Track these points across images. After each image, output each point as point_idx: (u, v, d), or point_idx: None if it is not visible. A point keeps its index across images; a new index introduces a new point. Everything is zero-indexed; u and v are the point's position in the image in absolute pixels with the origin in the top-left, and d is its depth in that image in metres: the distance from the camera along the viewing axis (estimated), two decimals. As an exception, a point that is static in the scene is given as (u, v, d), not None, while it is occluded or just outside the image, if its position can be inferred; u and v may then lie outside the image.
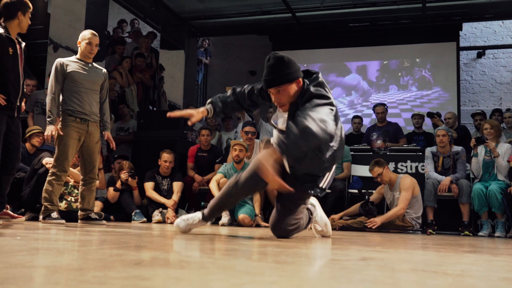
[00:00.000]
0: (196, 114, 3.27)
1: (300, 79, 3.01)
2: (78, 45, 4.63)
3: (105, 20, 8.18)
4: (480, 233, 5.85)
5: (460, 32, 10.49)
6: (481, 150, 6.10)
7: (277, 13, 10.07)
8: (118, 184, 6.03)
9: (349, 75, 10.81)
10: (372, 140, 7.60)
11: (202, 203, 6.22)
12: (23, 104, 4.27)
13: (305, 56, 10.88)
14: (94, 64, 4.70)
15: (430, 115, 7.87)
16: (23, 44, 4.21)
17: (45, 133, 4.34)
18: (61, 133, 4.35)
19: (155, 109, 9.83)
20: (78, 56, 4.62)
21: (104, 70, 4.81)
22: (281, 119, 3.14)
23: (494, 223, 5.88)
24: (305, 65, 10.97)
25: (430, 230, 5.73)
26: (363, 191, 6.06)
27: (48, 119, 4.33)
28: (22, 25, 4.05)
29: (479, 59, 11.22)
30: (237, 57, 12.13)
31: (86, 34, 4.61)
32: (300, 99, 2.98)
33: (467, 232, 5.84)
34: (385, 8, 9.65)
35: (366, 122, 9.20)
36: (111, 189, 6.07)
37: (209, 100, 3.43)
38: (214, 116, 3.47)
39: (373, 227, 5.52)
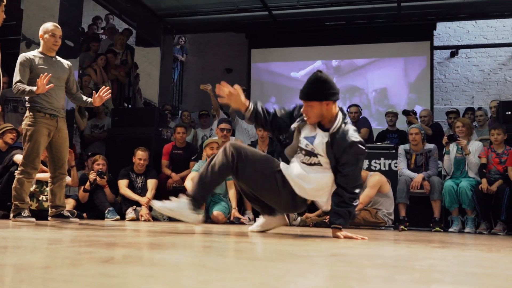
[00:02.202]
0: (238, 96, 3.28)
1: (331, 103, 3.10)
2: (40, 39, 4.48)
3: (80, 16, 8.05)
4: (451, 229, 5.95)
5: (434, 31, 10.63)
6: (452, 147, 6.20)
7: (253, 10, 10.06)
8: (87, 185, 5.94)
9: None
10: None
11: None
12: None
13: (281, 54, 10.90)
14: (57, 57, 4.56)
15: (406, 112, 7.97)
16: None
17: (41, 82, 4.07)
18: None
19: (129, 106, 9.74)
20: (41, 49, 4.49)
21: (68, 62, 4.66)
22: (307, 130, 3.23)
23: (464, 219, 5.99)
24: (282, 62, 11.03)
25: (402, 226, 5.80)
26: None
27: (30, 89, 4.13)
28: None
29: (452, 58, 11.39)
30: (213, 55, 12.09)
31: (49, 26, 4.48)
32: (334, 128, 3.09)
33: (438, 228, 5.93)
34: (360, 7, 9.71)
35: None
36: (81, 190, 5.99)
37: (255, 102, 3.42)
38: (250, 116, 3.37)
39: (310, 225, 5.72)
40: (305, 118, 3.17)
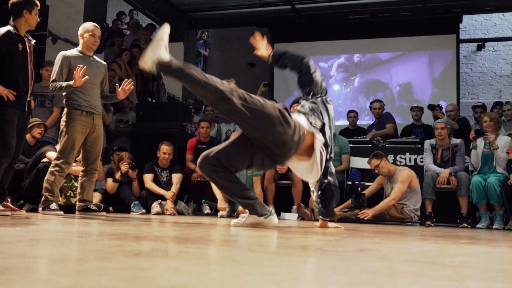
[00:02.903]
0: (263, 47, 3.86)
1: None
2: (80, 38, 4.61)
3: (104, 12, 8.13)
4: (478, 225, 5.86)
5: (460, 24, 10.47)
6: (480, 142, 6.10)
7: (276, 5, 10.05)
8: (118, 176, 6.04)
9: (349, 67, 10.80)
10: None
11: (203, 200, 6.25)
12: (32, 100, 4.29)
13: (304, 48, 10.84)
14: (95, 57, 4.70)
15: (431, 107, 7.85)
16: (33, 41, 4.26)
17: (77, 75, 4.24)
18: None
19: (154, 101, 9.81)
20: (80, 48, 4.62)
21: (104, 63, 4.81)
22: None
23: (492, 215, 5.89)
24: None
25: (428, 222, 5.74)
26: (356, 183, 6.14)
27: (67, 83, 4.31)
28: (29, 22, 4.12)
29: (479, 51, 11.19)
30: (236, 49, 12.09)
31: (89, 26, 4.62)
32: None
33: (465, 224, 5.85)
34: (385, 1, 9.63)
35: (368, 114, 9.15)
36: (110, 180, 6.08)
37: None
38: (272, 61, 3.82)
39: (365, 218, 5.59)
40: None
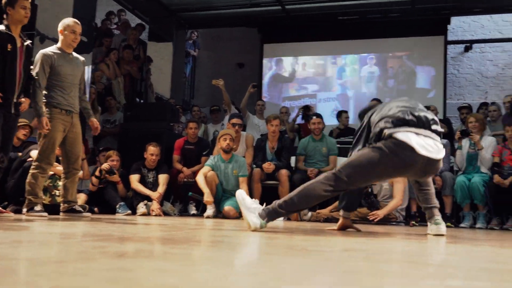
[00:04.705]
0: None
1: None
2: (60, 34, 4.49)
3: (93, 11, 8.08)
4: (462, 225, 5.92)
5: (448, 26, 10.55)
6: (465, 143, 6.16)
7: (266, 5, 10.04)
8: (97, 172, 5.98)
9: (338, 67, 10.84)
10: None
11: (190, 193, 6.19)
12: (24, 100, 4.21)
13: (294, 49, 10.89)
14: (74, 54, 4.59)
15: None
16: (28, 41, 4.18)
17: (41, 124, 4.21)
18: (48, 126, 4.28)
19: (142, 101, 9.77)
20: (59, 45, 4.50)
21: (83, 59, 4.70)
22: None
23: (476, 215, 5.96)
24: (294, 58, 11.02)
25: (413, 222, 5.78)
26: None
27: (39, 111, 4.24)
28: (16, 17, 4.01)
29: (466, 53, 11.29)
30: (225, 50, 12.08)
31: (69, 22, 4.49)
32: None
33: (449, 224, 5.88)
34: (374, 2, 9.68)
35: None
36: (93, 177, 6.06)
37: None
38: None
39: (375, 220, 5.49)
40: None
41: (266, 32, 11.03)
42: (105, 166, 5.95)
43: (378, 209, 5.62)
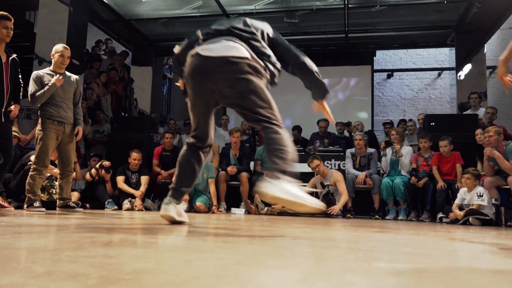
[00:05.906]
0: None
1: None
2: (52, 57, 4.41)
3: (84, 39, 7.88)
4: (387, 217, 6.04)
5: (374, 57, 10.83)
6: (389, 151, 6.31)
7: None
8: (93, 172, 5.87)
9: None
10: (315, 145, 7.74)
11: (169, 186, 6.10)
12: (14, 108, 4.03)
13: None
14: (66, 73, 4.48)
15: (348, 124, 8.21)
16: (13, 55, 4.02)
17: (56, 80, 4.22)
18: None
19: (126, 115, 9.59)
20: (51, 68, 4.42)
21: (76, 76, 4.58)
22: None
23: (398, 209, 6.10)
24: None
25: (348, 215, 5.87)
26: (326, 184, 5.95)
27: (48, 87, 4.21)
28: None
29: (389, 79, 11.62)
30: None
31: (59, 47, 4.42)
32: None
33: (377, 216, 6.01)
34: (316, 37, 9.84)
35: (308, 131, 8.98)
36: (87, 174, 5.93)
37: None
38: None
39: (333, 213, 5.59)
40: None
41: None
42: (106, 163, 5.85)
43: (335, 204, 5.70)
